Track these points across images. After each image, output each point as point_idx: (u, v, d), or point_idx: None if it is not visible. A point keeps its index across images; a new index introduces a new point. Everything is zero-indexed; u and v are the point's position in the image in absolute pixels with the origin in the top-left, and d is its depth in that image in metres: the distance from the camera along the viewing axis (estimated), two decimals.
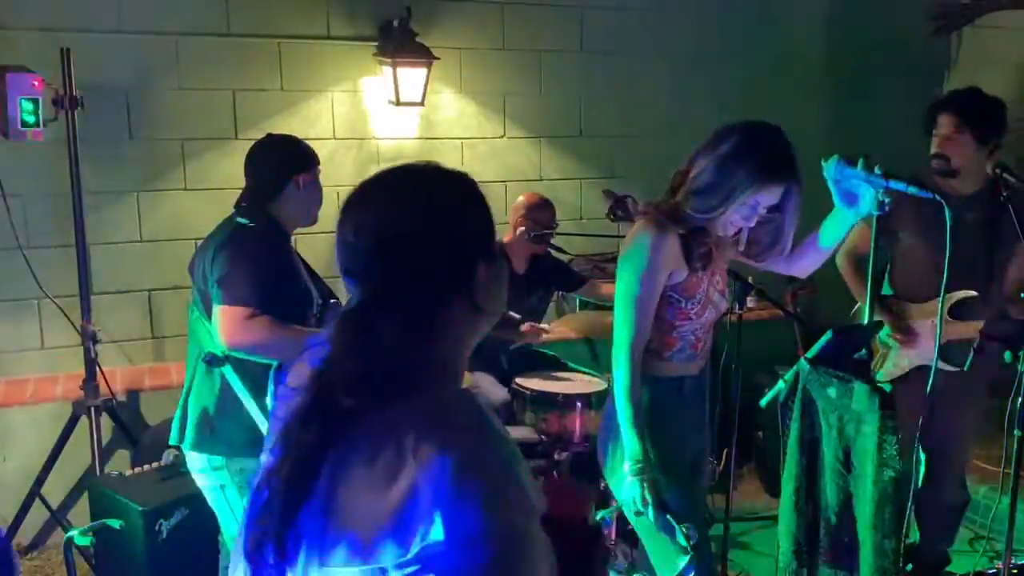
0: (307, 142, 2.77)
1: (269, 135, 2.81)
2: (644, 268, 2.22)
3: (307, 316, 2.61)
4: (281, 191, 2.63)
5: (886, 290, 3.20)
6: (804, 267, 2.46)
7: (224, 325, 2.44)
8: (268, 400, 2.47)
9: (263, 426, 2.48)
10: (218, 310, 2.46)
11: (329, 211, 4.68)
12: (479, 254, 1.17)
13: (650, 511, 2.17)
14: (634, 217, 3.25)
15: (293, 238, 2.72)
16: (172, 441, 2.68)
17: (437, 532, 0.99)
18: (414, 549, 0.99)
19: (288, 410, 1.15)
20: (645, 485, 2.17)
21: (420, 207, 1.17)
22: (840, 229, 2.33)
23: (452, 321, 1.17)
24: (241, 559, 1.14)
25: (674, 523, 2.16)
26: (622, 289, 2.25)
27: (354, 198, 1.22)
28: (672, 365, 2.34)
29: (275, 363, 2.47)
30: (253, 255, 2.50)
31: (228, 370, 2.53)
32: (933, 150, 3.02)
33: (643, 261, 2.22)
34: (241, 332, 2.43)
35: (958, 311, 2.93)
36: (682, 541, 2.15)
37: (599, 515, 2.31)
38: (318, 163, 2.74)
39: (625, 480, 2.21)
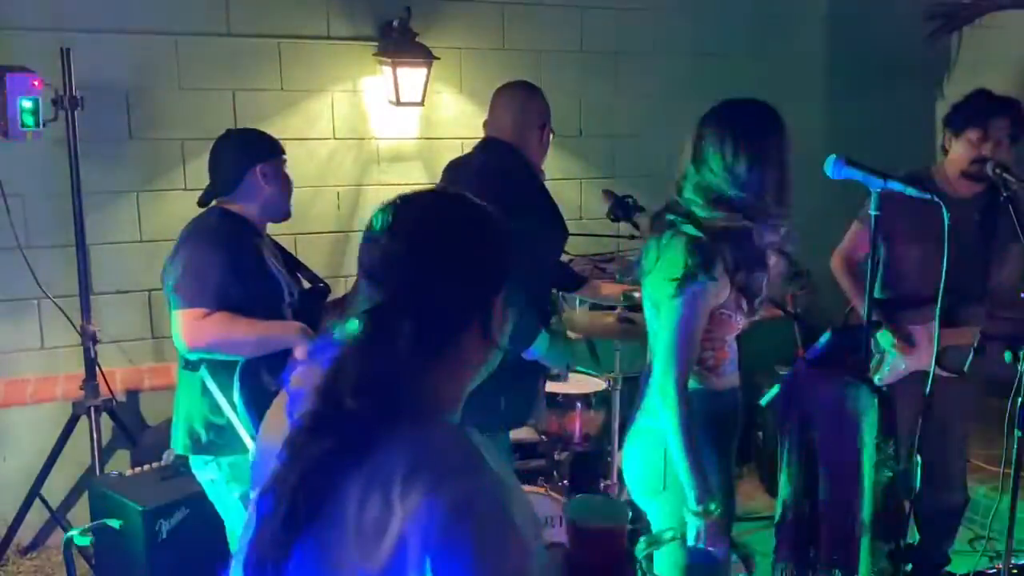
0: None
1: (228, 131, 2.80)
2: (695, 300, 2.14)
3: (279, 308, 2.61)
4: (240, 183, 2.60)
5: (877, 293, 3.20)
6: None
7: (180, 329, 2.46)
8: (235, 398, 2.47)
9: (238, 428, 2.49)
10: (174, 315, 2.47)
11: (329, 210, 4.72)
12: (500, 286, 1.19)
13: (723, 551, 2.15)
14: (634, 217, 3.27)
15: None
16: (171, 444, 2.70)
17: None
18: None
19: (296, 414, 1.14)
20: (718, 526, 2.14)
21: (458, 224, 1.19)
22: None
23: (462, 344, 1.16)
24: (239, 569, 1.13)
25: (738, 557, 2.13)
26: (671, 320, 2.17)
27: (392, 202, 1.20)
28: (728, 378, 2.34)
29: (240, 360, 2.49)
30: (205, 254, 2.49)
31: (205, 373, 2.53)
32: (986, 153, 2.97)
33: (694, 292, 2.14)
34: (196, 333, 2.44)
35: (955, 314, 2.93)
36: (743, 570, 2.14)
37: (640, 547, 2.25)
38: (281, 153, 2.69)
39: (693, 522, 2.15)
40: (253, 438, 2.47)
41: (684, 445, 2.14)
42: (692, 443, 2.15)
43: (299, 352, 2.43)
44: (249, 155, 2.62)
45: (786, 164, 2.20)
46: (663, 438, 2.22)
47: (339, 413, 1.08)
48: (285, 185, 2.68)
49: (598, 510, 1.44)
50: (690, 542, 2.17)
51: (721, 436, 2.31)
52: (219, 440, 2.54)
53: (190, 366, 2.56)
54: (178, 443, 2.63)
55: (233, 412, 2.50)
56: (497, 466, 1.08)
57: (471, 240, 1.18)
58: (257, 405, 2.45)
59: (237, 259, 2.52)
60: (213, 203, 2.67)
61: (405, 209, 1.18)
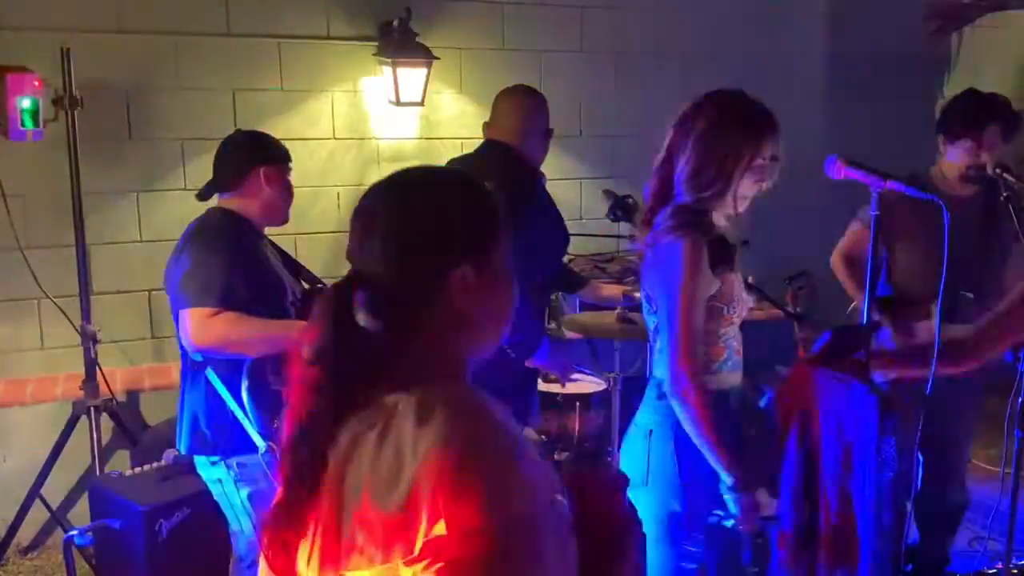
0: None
1: (238, 130, 2.82)
2: (684, 285, 2.14)
3: (283, 306, 2.61)
4: (242, 180, 2.61)
5: (879, 291, 3.20)
6: None
7: (189, 328, 2.45)
8: (244, 396, 2.48)
9: (246, 424, 2.49)
10: (182, 314, 2.47)
11: (329, 210, 4.71)
12: (458, 255, 1.15)
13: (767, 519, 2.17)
14: (634, 217, 3.27)
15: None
16: (177, 446, 2.70)
17: (440, 527, 0.99)
18: (419, 545, 1.00)
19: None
20: (751, 502, 2.17)
21: (399, 199, 1.19)
22: None
23: (431, 319, 1.15)
24: (265, 539, 1.16)
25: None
26: (668, 308, 2.17)
27: (364, 194, 1.23)
28: (722, 376, 2.29)
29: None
30: (210, 253, 2.50)
31: (211, 372, 2.53)
32: (981, 160, 2.98)
33: (682, 277, 2.14)
34: (205, 332, 2.43)
35: (955, 313, 2.93)
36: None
37: None
38: (287, 160, 2.72)
39: (730, 500, 2.18)
40: (262, 436, 2.48)
41: (702, 436, 2.15)
42: (710, 431, 2.15)
43: (306, 352, 2.43)
44: (255, 155, 2.65)
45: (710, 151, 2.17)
46: (647, 433, 2.26)
47: (320, 387, 1.13)
48: (286, 191, 2.70)
49: (595, 467, 1.43)
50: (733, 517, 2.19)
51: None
52: (225, 438, 2.54)
53: (195, 365, 2.56)
54: (183, 443, 2.63)
55: (241, 411, 2.50)
56: (508, 420, 1.10)
57: (405, 221, 1.17)
58: (264, 404, 2.47)
59: (242, 258, 2.54)
60: (214, 203, 2.68)
61: (362, 203, 1.21)
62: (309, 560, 1.11)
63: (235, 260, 2.51)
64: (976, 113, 3.03)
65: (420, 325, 1.15)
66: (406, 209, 1.17)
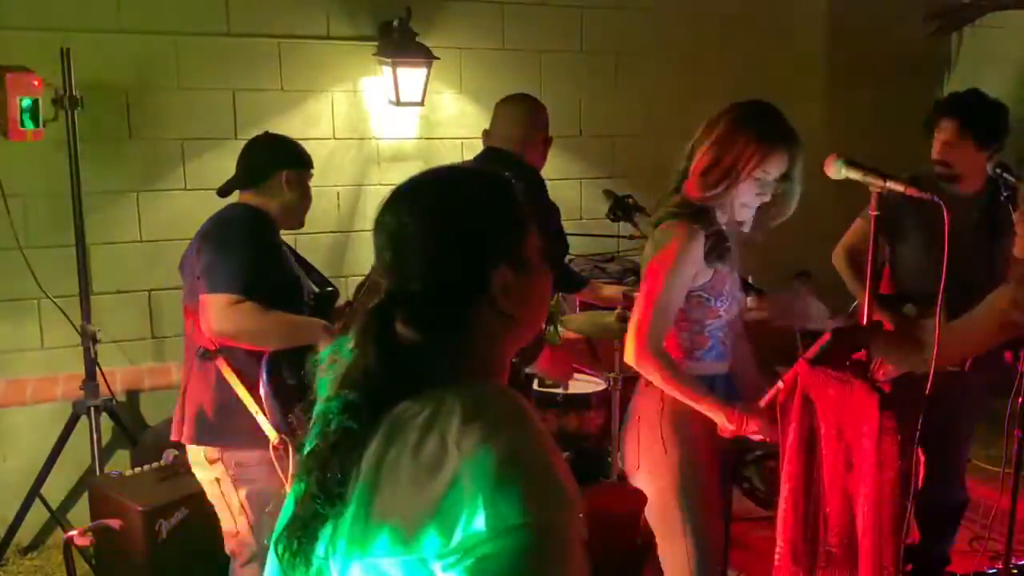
0: (305, 144, 2.81)
1: (266, 132, 2.85)
2: (670, 267, 2.25)
3: (299, 304, 2.63)
4: (263, 180, 2.65)
5: (882, 290, 3.20)
6: None
7: (209, 313, 2.46)
8: (261, 389, 2.48)
9: (259, 417, 2.50)
10: (203, 299, 2.47)
11: (329, 210, 4.71)
12: (496, 257, 1.16)
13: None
14: (634, 217, 3.30)
15: (294, 238, 2.73)
16: (172, 437, 2.70)
17: (478, 522, 0.99)
18: (455, 539, 1.00)
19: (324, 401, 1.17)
20: (749, 420, 2.28)
21: (429, 208, 1.18)
22: None
23: (474, 323, 1.16)
24: (280, 549, 1.15)
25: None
26: (646, 287, 2.29)
27: (385, 200, 1.22)
28: (705, 364, 2.39)
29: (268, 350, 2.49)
30: (235, 242, 2.52)
31: (222, 363, 2.54)
32: (934, 155, 3.02)
33: (670, 260, 2.25)
34: (225, 319, 2.44)
35: (957, 313, 2.93)
36: None
37: None
38: (310, 166, 2.76)
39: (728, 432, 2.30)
40: (276, 429, 2.50)
41: (683, 393, 2.26)
42: (687, 387, 2.26)
43: (322, 348, 2.44)
44: (279, 157, 2.70)
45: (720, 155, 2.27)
46: (637, 419, 2.37)
47: (358, 406, 1.11)
48: (305, 196, 2.75)
49: (609, 496, 1.43)
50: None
51: (695, 424, 2.32)
52: (230, 427, 2.54)
53: (205, 355, 2.57)
54: (184, 432, 2.63)
55: (254, 403, 2.51)
56: (544, 427, 1.11)
57: (439, 223, 1.17)
58: (279, 397, 2.47)
59: (265, 253, 2.58)
60: (235, 199, 2.71)
61: (387, 208, 1.20)
62: (334, 539, 1.11)
63: (259, 254, 2.55)
64: (936, 109, 3.06)
65: (465, 332, 1.16)
66: (437, 220, 1.17)
